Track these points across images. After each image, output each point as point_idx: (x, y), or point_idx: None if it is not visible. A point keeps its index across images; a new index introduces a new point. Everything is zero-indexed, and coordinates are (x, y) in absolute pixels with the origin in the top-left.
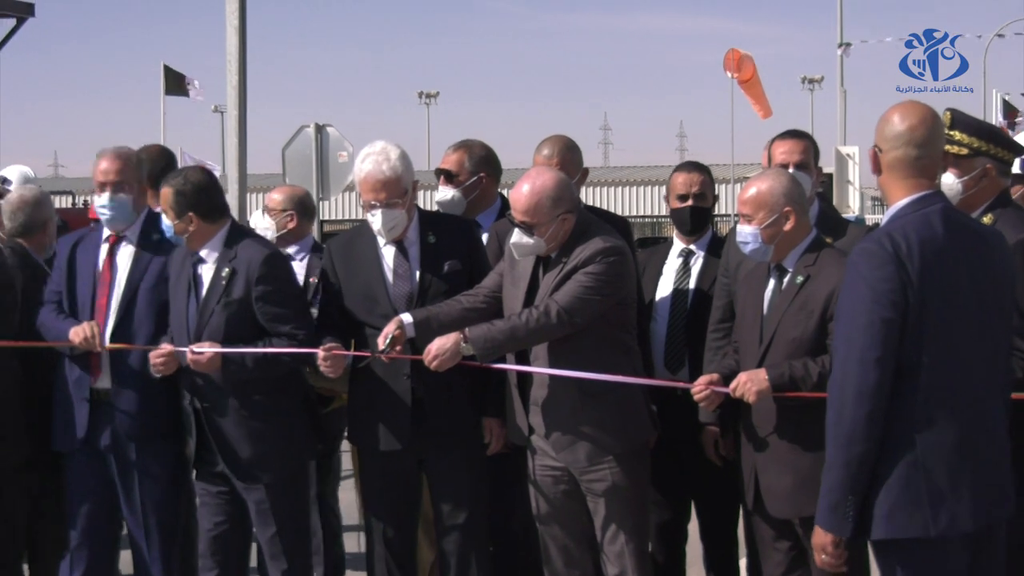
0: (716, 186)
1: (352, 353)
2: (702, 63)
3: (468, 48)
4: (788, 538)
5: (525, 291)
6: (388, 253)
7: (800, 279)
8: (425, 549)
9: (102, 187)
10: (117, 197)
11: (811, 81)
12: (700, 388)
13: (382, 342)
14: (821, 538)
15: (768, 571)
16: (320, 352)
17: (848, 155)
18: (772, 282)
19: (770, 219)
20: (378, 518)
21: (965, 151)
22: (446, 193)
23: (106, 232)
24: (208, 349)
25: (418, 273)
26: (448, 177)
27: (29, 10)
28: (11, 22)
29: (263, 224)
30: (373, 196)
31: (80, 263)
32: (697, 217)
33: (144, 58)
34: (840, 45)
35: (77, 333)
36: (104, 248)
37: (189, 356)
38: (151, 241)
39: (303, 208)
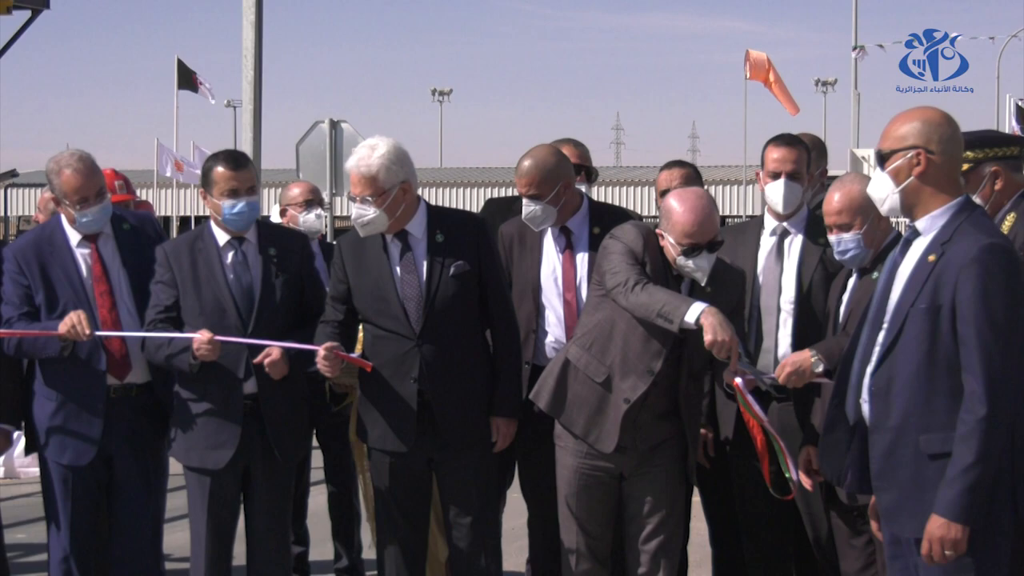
0: (727, 187)
1: (349, 358)
2: (716, 64)
3: (482, 46)
4: (864, 532)
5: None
6: (395, 252)
7: (875, 275)
8: (441, 546)
9: (85, 200)
10: (104, 204)
11: (824, 83)
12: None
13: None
14: (956, 532)
15: (847, 567)
16: (321, 350)
17: (863, 158)
18: (852, 281)
19: (867, 222)
20: (389, 516)
21: (967, 165)
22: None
23: (78, 234)
24: (200, 335)
25: (426, 273)
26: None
27: (44, 2)
28: (26, 14)
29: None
30: (352, 190)
31: (52, 270)
32: None
33: (158, 52)
34: (855, 48)
35: (65, 323)
36: (83, 250)
37: (266, 363)
38: (124, 231)
39: None
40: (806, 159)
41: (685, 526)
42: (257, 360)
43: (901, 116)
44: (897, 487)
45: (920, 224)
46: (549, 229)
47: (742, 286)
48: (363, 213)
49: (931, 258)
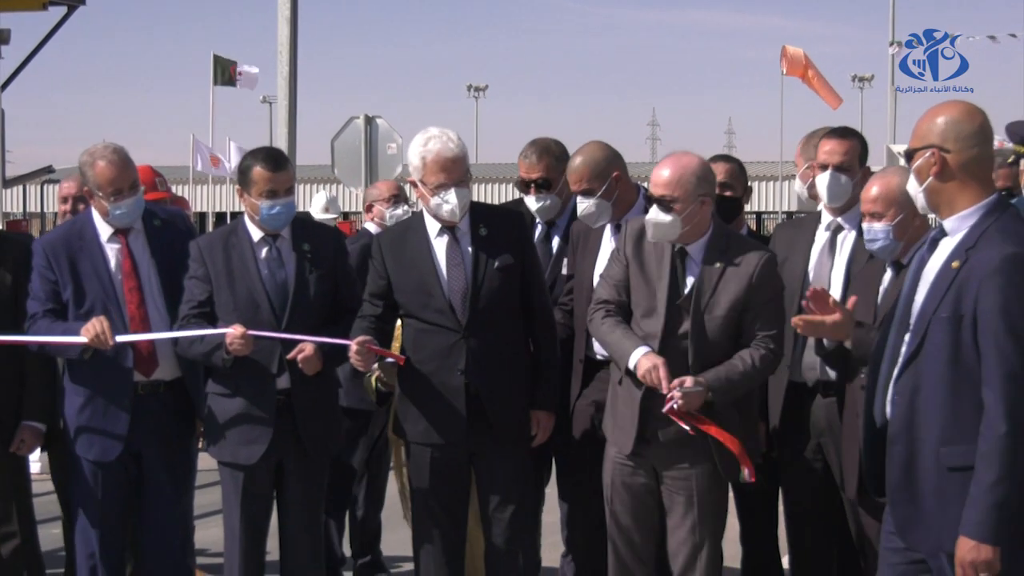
0: (763, 183)
1: (381, 351)
2: (752, 60)
3: (517, 42)
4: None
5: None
6: (440, 246)
7: None
8: (480, 542)
9: (119, 192)
10: (137, 198)
11: (861, 79)
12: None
13: (665, 386)
14: (987, 554)
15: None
16: (353, 344)
17: (899, 153)
18: (888, 276)
19: (900, 215)
20: (428, 511)
21: (1011, 158)
22: (546, 201)
23: (108, 229)
24: (233, 329)
25: (471, 266)
26: (544, 186)
27: None
28: (62, 10)
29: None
30: (445, 176)
31: (81, 264)
32: (723, 207)
33: (194, 48)
34: (892, 43)
35: (88, 331)
36: (113, 245)
37: (300, 358)
38: (155, 226)
39: None
40: (858, 151)
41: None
42: (291, 356)
43: (928, 112)
44: (915, 500)
45: (948, 224)
46: (608, 226)
47: (760, 270)
48: (466, 196)
49: (955, 264)
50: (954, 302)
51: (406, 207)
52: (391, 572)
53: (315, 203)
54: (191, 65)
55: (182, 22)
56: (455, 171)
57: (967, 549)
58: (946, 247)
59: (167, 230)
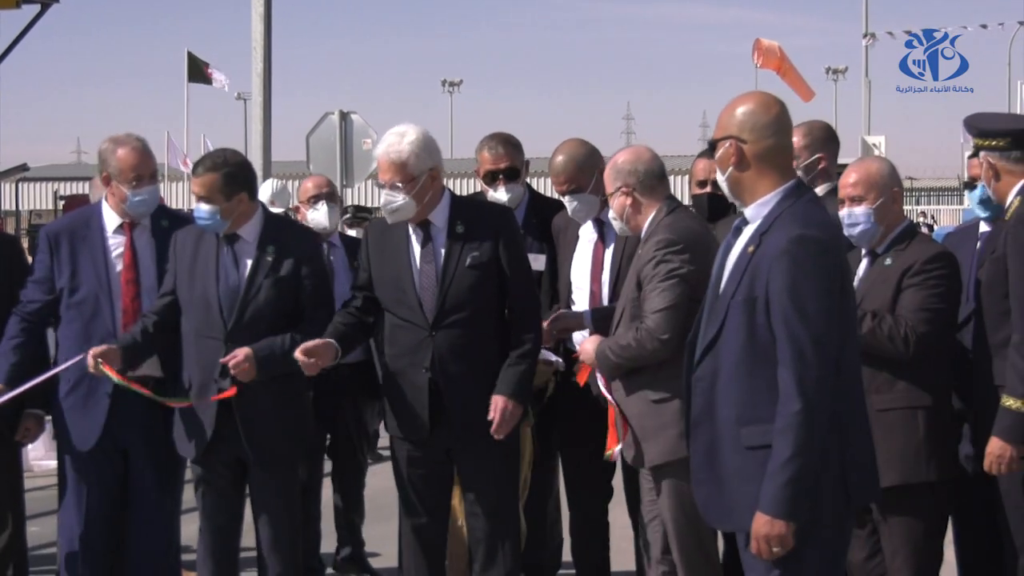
0: None
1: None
2: (726, 53)
3: (492, 37)
4: (867, 522)
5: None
6: (417, 242)
7: (888, 261)
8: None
9: (140, 179)
10: (155, 188)
11: (835, 72)
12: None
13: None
14: (780, 528)
15: (851, 556)
16: (298, 354)
17: (874, 144)
18: (864, 265)
19: (880, 199)
20: (408, 505)
21: (970, 151)
22: (516, 191)
23: (115, 221)
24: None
25: (443, 263)
26: (512, 175)
27: None
28: (36, 8)
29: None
30: (380, 176)
31: (81, 253)
32: (715, 204)
33: (168, 45)
34: (866, 35)
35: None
36: (117, 238)
37: (231, 364)
38: (162, 227)
39: None
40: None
41: None
42: (223, 360)
43: (728, 103)
44: (716, 481)
45: (748, 212)
46: (586, 222)
47: (644, 252)
48: (392, 199)
49: (750, 249)
50: (748, 285)
51: (322, 205)
52: (372, 565)
53: (261, 194)
54: (166, 62)
55: (156, 19)
56: (387, 174)
57: (761, 523)
58: (747, 234)
59: (173, 231)
